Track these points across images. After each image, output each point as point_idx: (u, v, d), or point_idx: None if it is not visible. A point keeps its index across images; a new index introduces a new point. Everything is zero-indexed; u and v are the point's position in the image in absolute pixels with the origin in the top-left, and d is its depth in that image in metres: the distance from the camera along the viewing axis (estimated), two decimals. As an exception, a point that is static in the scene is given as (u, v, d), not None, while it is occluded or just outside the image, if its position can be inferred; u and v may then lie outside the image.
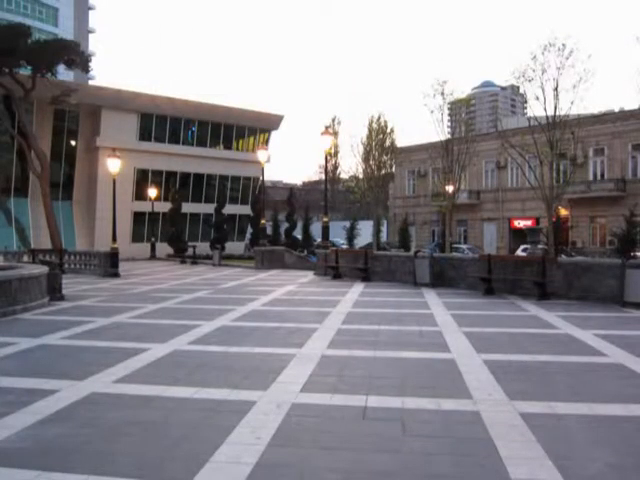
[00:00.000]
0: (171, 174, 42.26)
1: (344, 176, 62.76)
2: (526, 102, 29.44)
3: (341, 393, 5.56)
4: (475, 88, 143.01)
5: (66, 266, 22.25)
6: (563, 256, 25.12)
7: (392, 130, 37.51)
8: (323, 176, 37.72)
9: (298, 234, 40.18)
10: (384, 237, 44.47)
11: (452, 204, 34.06)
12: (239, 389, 5.70)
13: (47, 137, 36.53)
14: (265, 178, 32.16)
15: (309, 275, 20.71)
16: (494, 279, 14.33)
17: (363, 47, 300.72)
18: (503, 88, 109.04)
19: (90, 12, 71.87)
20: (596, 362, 6.94)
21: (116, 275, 21.52)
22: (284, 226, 40.18)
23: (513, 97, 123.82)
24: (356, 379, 6.10)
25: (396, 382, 5.97)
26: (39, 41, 31.92)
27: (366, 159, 37.47)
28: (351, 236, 35.82)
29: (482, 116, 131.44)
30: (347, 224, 37.87)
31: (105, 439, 4.42)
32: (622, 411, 4.97)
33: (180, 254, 34.93)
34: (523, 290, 13.85)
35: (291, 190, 45.81)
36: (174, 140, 42.09)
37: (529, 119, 28.72)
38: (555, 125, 25.91)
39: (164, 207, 39.54)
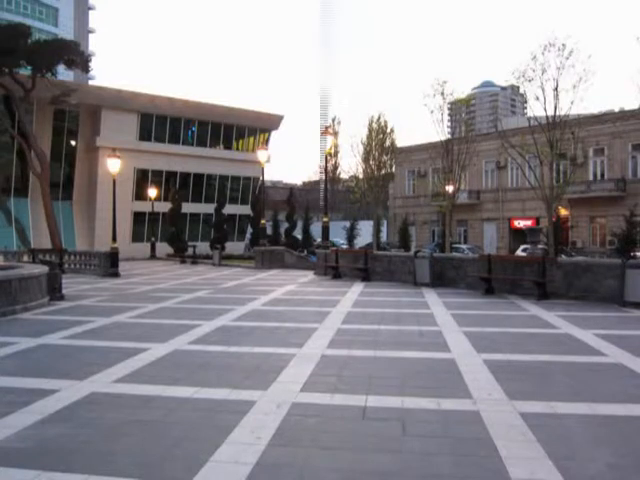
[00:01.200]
0: (171, 174, 42.24)
1: (344, 176, 62.82)
2: (526, 102, 29.34)
3: (341, 393, 5.56)
4: (475, 88, 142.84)
5: (66, 266, 22.26)
6: (563, 256, 25.12)
7: (392, 130, 37.42)
8: (323, 176, 37.67)
9: (298, 234, 40.19)
10: (384, 237, 44.46)
11: (452, 204, 34.02)
12: (239, 389, 5.70)
13: (47, 137, 36.48)
14: (265, 178, 32.17)
15: (309, 275, 20.71)
16: (494, 279, 14.33)
17: (363, 47, 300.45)
18: (503, 88, 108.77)
19: (90, 12, 72.02)
20: (596, 362, 6.94)
21: (116, 275, 21.53)
22: (284, 226, 40.18)
23: (513, 97, 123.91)
24: (356, 379, 6.09)
25: (396, 382, 5.97)
26: (39, 41, 31.96)
27: (366, 159, 37.41)
28: (351, 236, 35.88)
29: (482, 116, 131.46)
30: (347, 224, 37.92)
31: (105, 439, 4.42)
32: (622, 411, 4.97)
33: (180, 254, 34.89)
34: (523, 290, 13.85)
35: (291, 190, 45.83)
36: (174, 140, 42.07)
37: (529, 119, 28.64)
38: (555, 125, 25.85)
39: (164, 207, 39.49)
